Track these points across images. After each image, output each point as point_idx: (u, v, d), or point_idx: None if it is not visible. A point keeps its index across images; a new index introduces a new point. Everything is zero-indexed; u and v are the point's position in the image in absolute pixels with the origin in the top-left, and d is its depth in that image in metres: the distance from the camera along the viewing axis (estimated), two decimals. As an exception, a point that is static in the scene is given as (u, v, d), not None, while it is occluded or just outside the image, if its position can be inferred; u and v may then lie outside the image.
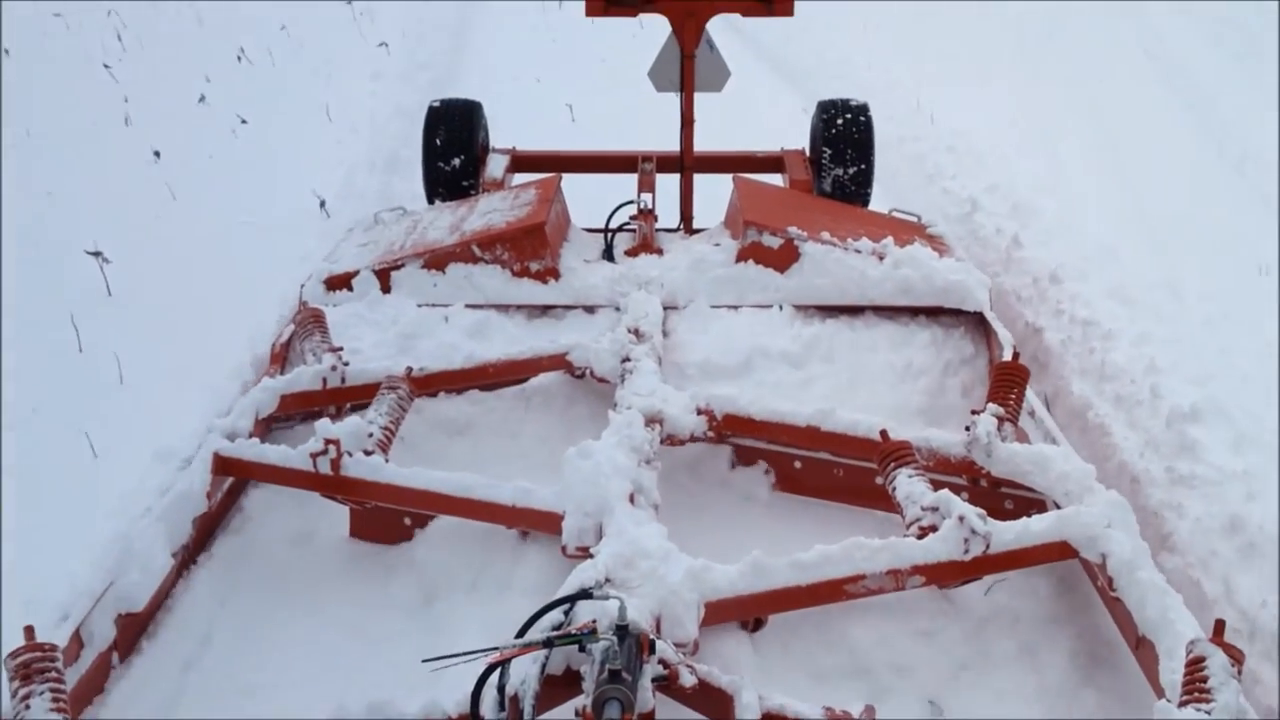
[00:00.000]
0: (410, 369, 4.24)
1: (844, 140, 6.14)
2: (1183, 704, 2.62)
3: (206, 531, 3.84)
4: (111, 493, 4.11)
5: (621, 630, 2.63)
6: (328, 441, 3.67)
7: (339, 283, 5.07)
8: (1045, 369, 5.26)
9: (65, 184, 7.51)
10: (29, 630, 2.72)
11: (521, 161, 6.59)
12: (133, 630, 3.33)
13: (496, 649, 2.56)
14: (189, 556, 3.70)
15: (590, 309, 5.03)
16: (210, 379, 4.84)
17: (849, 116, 6.17)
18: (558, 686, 2.78)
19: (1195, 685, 2.64)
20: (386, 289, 5.03)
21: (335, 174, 7.90)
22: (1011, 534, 3.33)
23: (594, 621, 2.66)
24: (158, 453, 4.26)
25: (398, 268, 5.07)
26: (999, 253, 6.26)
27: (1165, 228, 6.77)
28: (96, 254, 6.09)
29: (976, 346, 4.80)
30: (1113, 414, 4.74)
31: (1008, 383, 3.97)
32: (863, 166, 6.14)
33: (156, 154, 8.20)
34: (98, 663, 3.13)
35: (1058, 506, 3.52)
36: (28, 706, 2.57)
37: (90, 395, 5.05)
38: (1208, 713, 2.55)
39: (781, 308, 4.92)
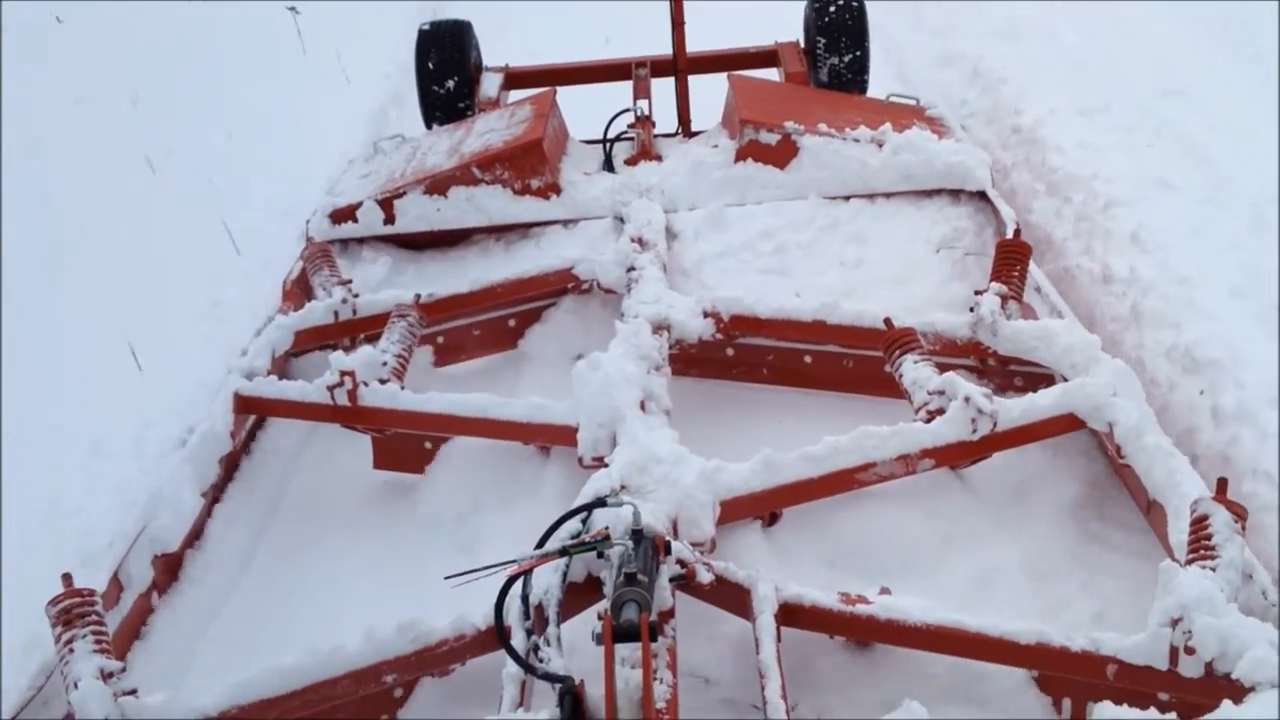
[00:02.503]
0: (419, 295, 4.28)
1: (837, 28, 6.07)
2: (1188, 562, 2.68)
3: (232, 468, 3.93)
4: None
5: (637, 534, 2.70)
6: (343, 373, 3.74)
7: (343, 215, 5.10)
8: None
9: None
10: (67, 577, 2.82)
11: (515, 78, 6.56)
12: (168, 569, 3.44)
13: (515, 561, 2.64)
14: (217, 494, 3.80)
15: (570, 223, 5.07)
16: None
17: (840, 3, 6.10)
18: (580, 593, 2.86)
19: (1200, 543, 2.70)
20: (390, 218, 5.06)
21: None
22: (1018, 410, 3.37)
23: (607, 528, 2.73)
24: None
25: (400, 196, 5.09)
26: None
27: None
28: None
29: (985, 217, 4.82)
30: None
31: (1010, 260, 3.98)
32: (858, 53, 6.07)
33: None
34: (138, 604, 3.24)
35: (1065, 380, 3.56)
36: (72, 650, 2.68)
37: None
38: (1212, 569, 2.60)
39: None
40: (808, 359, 4.11)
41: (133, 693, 2.66)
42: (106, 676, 2.63)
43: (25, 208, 5.55)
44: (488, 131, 5.46)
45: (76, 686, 2.60)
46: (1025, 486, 3.53)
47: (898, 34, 7.94)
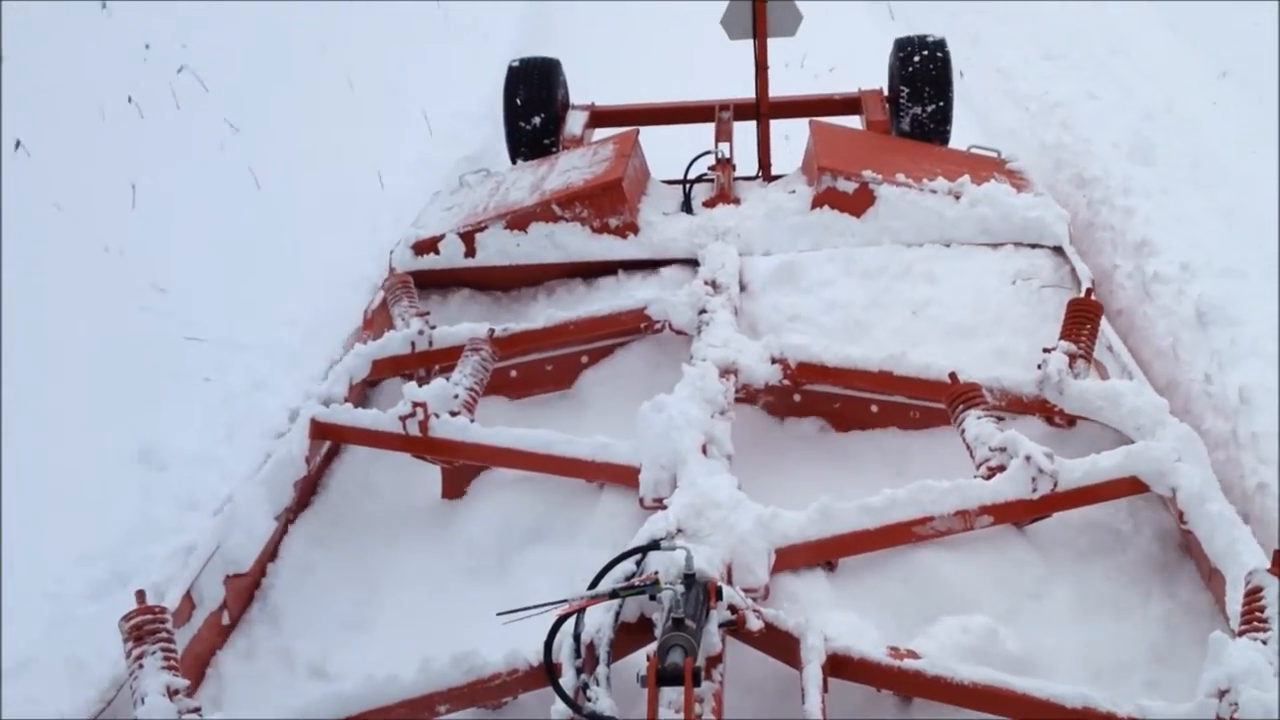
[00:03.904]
0: (492, 330, 4.38)
1: (921, 77, 6.10)
2: (1240, 633, 2.66)
3: (308, 492, 4.05)
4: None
5: (688, 579, 2.74)
6: (415, 404, 3.84)
7: (426, 247, 5.22)
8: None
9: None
10: (140, 594, 2.93)
11: (600, 116, 6.67)
12: (241, 590, 3.55)
13: (566, 601, 2.70)
14: (290, 517, 3.91)
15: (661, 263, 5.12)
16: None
17: (925, 53, 6.12)
18: (632, 633, 2.91)
19: (1253, 614, 2.68)
20: (471, 252, 5.18)
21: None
22: (1080, 471, 3.37)
23: (658, 572, 2.78)
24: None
25: (481, 229, 5.20)
26: None
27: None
28: None
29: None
30: None
31: (1080, 318, 3.98)
32: (941, 104, 6.09)
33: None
34: (209, 622, 3.35)
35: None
36: (141, 666, 2.79)
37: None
38: (1264, 641, 2.59)
39: None
40: (874, 408, 4.13)
41: (197, 710, 2.76)
42: (173, 694, 2.73)
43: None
44: (570, 169, 5.56)
45: (144, 702, 2.70)
46: (1092, 544, 3.51)
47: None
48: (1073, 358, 3.82)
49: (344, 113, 7.84)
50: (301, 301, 5.33)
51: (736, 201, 5.44)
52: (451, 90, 8.39)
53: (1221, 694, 2.48)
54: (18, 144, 6.20)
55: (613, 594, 2.73)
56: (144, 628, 2.86)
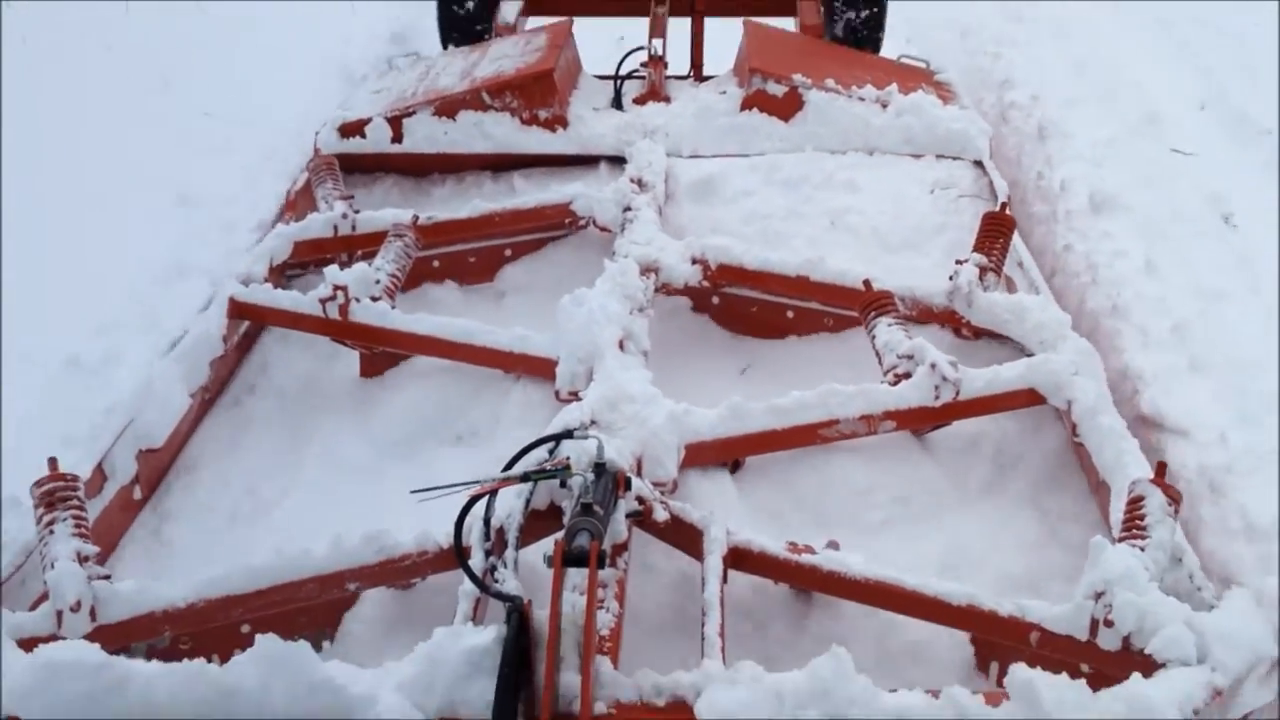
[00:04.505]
0: (416, 217, 4.37)
1: None
2: (1119, 540, 2.80)
3: (225, 374, 4.05)
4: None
5: (599, 467, 2.81)
6: (336, 287, 3.85)
7: (352, 129, 5.16)
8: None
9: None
10: (53, 461, 2.94)
11: (535, 4, 6.59)
12: (154, 466, 3.56)
13: (478, 482, 2.76)
14: (208, 400, 3.92)
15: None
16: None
17: (862, -42, 6.13)
18: (542, 520, 2.97)
19: (1133, 523, 2.82)
20: (398, 137, 5.13)
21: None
22: (982, 381, 3.48)
23: (568, 458, 2.84)
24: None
25: (410, 114, 5.15)
26: None
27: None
28: None
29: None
30: None
31: (994, 232, 4.07)
32: (874, 10, 6.11)
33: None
34: (120, 495, 3.36)
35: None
36: (51, 532, 2.81)
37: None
38: (1141, 548, 2.72)
39: None
40: (790, 314, 4.21)
41: (107, 577, 2.80)
42: (83, 560, 2.76)
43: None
44: (501, 57, 5.51)
45: (53, 567, 2.73)
46: (989, 457, 3.64)
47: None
48: (983, 270, 3.91)
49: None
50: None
51: (667, 100, 5.44)
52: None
53: (1098, 596, 2.61)
54: None
55: (524, 477, 2.79)
56: (55, 494, 2.88)
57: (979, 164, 4.92)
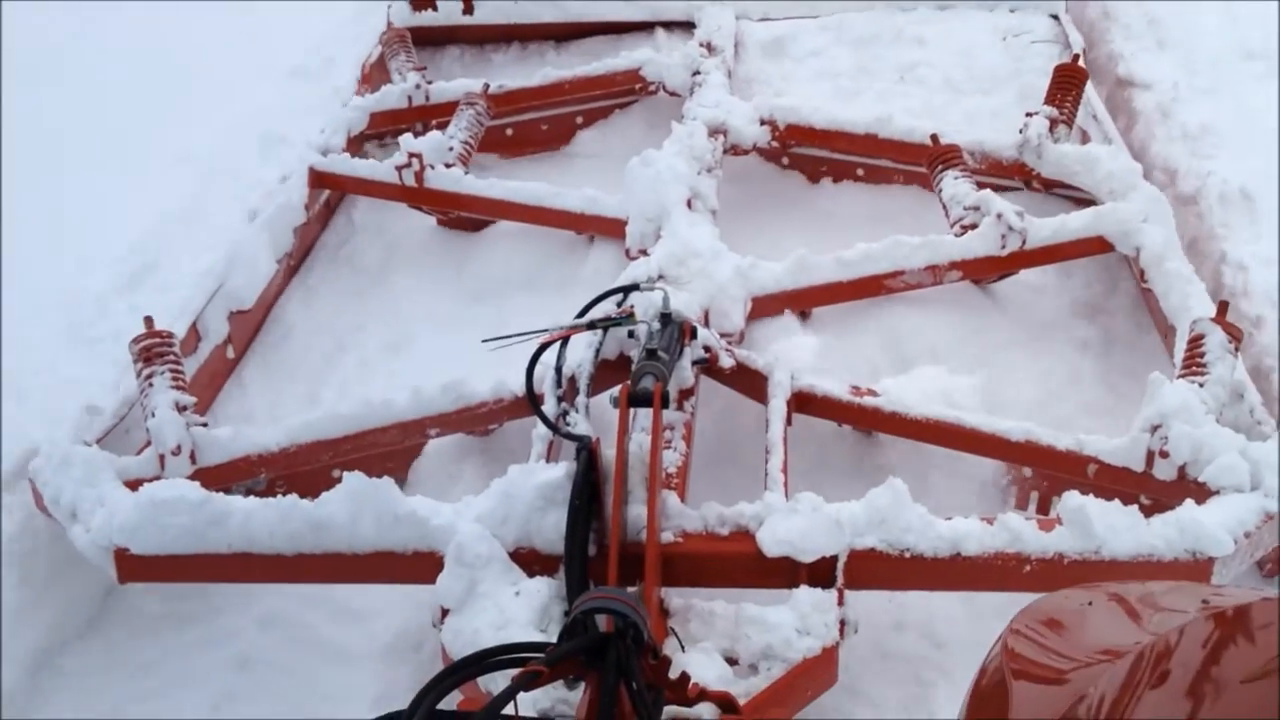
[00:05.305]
0: (488, 85, 4.44)
1: None
2: (1179, 377, 2.83)
3: (308, 241, 4.19)
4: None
5: (665, 317, 2.90)
6: (411, 155, 3.95)
7: (424, 3, 5.21)
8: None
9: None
10: (149, 320, 3.10)
11: None
12: (245, 326, 3.72)
13: (547, 331, 2.86)
14: (293, 265, 4.06)
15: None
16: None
17: None
18: (611, 369, 3.08)
19: (1194, 360, 2.85)
20: (469, 9, 5.18)
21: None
22: (1048, 230, 3.49)
23: (633, 307, 2.94)
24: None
25: (480, -14, 5.19)
26: None
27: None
28: None
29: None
30: None
31: (1066, 84, 4.02)
32: None
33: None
34: (215, 354, 3.53)
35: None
36: (151, 384, 2.98)
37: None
38: (1200, 384, 2.76)
39: None
40: (860, 171, 4.23)
41: (204, 424, 2.96)
42: (181, 409, 2.93)
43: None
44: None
45: (154, 415, 2.91)
46: (1056, 307, 3.66)
47: None
48: (1054, 122, 3.89)
49: None
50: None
51: (737, -37, 5.39)
52: None
53: (1154, 429, 2.66)
54: None
55: (589, 325, 2.89)
56: (153, 350, 3.03)
57: (1055, 17, 4.84)
